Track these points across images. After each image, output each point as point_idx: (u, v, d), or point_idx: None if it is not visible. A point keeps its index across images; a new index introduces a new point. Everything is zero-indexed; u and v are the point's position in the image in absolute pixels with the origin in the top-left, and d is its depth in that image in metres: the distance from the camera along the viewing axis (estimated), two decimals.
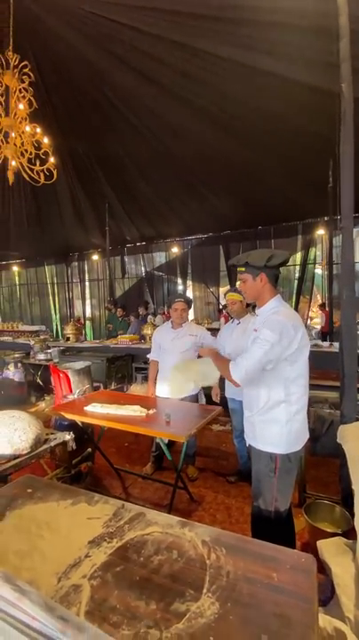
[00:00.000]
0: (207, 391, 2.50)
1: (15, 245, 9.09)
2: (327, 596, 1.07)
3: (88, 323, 10.52)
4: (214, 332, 2.92)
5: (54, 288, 11.12)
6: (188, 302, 2.42)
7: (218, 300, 8.94)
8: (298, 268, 8.24)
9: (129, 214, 7.39)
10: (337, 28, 1.77)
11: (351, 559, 1.12)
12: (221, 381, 2.41)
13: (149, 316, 6.59)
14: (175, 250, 9.12)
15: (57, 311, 11.09)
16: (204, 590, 0.72)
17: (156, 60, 3.58)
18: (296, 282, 8.39)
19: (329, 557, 1.10)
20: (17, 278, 11.97)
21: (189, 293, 9.55)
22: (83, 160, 5.66)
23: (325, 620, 0.82)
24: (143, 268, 9.52)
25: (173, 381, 2.18)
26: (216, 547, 0.85)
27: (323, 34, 2.23)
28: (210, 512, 2.07)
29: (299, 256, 8.43)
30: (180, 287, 9.52)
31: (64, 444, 1.66)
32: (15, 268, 11.60)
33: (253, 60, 3.25)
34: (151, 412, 1.92)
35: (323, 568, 1.23)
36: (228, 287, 9.42)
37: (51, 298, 11.17)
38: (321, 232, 7.29)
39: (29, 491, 1.13)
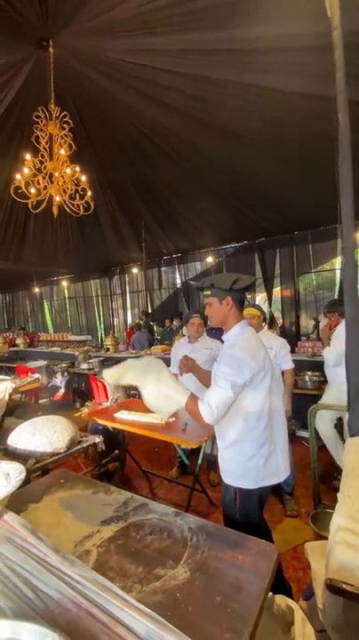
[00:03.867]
0: None
1: (64, 263, 9.99)
2: (311, 592, 1.19)
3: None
4: None
5: (99, 300, 11.93)
6: (204, 317, 2.62)
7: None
8: (338, 272, 7.97)
9: (163, 229, 7.79)
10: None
11: None
12: None
13: (184, 327, 6.85)
14: (210, 259, 9.32)
15: (102, 321, 11.87)
16: (181, 562, 0.93)
17: (180, 91, 3.90)
18: (337, 286, 8.12)
19: (312, 557, 1.22)
20: (66, 292, 13.04)
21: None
22: (120, 186, 6.16)
23: (281, 599, 0.96)
24: (179, 280, 9.84)
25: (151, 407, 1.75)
26: (199, 532, 1.05)
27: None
28: None
29: (338, 260, 8.15)
30: None
31: (94, 445, 1.95)
32: (65, 283, 12.65)
33: (267, 80, 3.43)
34: (170, 420, 2.14)
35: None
36: (264, 294, 9.36)
37: (96, 309, 11.99)
38: None
39: (62, 481, 1.42)
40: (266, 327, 2.63)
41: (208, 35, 3.03)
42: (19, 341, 7.35)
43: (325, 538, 1.72)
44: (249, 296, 9.17)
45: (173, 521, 1.11)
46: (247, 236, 8.51)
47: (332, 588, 0.88)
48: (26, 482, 1.57)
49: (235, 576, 0.87)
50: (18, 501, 1.26)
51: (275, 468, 1.39)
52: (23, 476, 1.03)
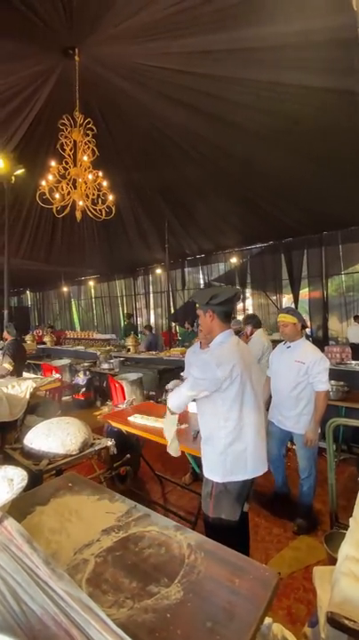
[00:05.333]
0: None
1: (90, 263, 10.27)
2: (317, 619, 1.13)
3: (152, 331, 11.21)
4: (275, 343, 2.84)
5: (123, 300, 12.17)
6: None
7: (279, 309, 8.70)
8: None
9: (187, 230, 7.79)
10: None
11: None
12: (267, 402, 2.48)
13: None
14: (234, 260, 9.20)
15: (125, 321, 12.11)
16: (176, 581, 0.91)
17: (203, 93, 3.87)
18: None
19: (319, 583, 1.16)
20: (93, 292, 13.42)
21: (249, 303, 9.49)
22: (143, 188, 6.23)
23: (278, 628, 0.92)
24: (202, 280, 9.81)
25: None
26: (197, 550, 1.03)
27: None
28: None
29: None
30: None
31: (106, 448, 1.98)
32: (91, 283, 13.01)
33: (294, 77, 3.32)
34: (183, 426, 2.13)
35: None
36: (291, 296, 9.09)
37: (120, 309, 12.24)
38: None
39: (70, 485, 1.45)
40: (303, 336, 2.39)
41: (231, 34, 2.98)
42: (46, 339, 7.65)
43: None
44: (273, 298, 8.96)
45: (173, 535, 1.10)
46: (273, 236, 8.31)
47: (333, 622, 0.83)
48: (38, 482, 1.63)
49: (230, 601, 0.85)
50: (27, 503, 1.30)
51: (243, 467, 1.51)
52: (24, 483, 1.06)
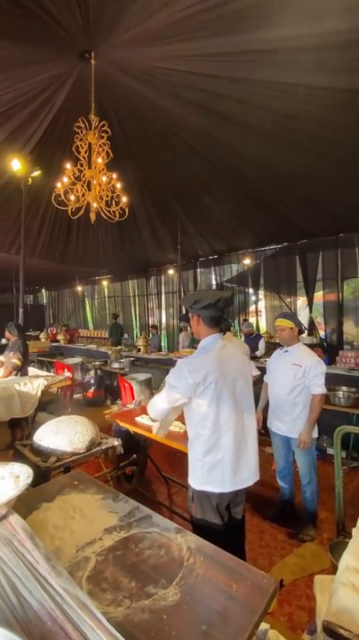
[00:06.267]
0: None
1: (104, 263, 10.40)
2: (315, 627, 1.12)
3: (164, 332, 11.26)
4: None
5: (136, 300, 12.27)
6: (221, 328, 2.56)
7: (292, 311, 8.58)
8: None
9: (199, 231, 7.78)
10: None
11: None
12: (265, 409, 2.47)
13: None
14: (247, 261, 9.13)
15: (138, 320, 12.19)
16: (174, 583, 0.92)
17: (217, 94, 3.86)
18: None
19: (319, 591, 1.15)
20: (106, 291, 13.59)
21: (261, 305, 9.40)
22: (157, 189, 6.26)
23: (274, 635, 0.92)
24: (214, 281, 9.78)
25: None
26: (197, 553, 1.04)
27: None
28: None
29: None
30: (253, 298, 9.45)
31: (113, 448, 2.01)
32: (105, 283, 13.18)
33: (307, 78, 3.28)
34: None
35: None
36: (305, 298, 8.94)
37: (132, 308, 12.35)
38: None
39: (76, 483, 1.48)
40: (302, 338, 2.42)
41: (243, 36, 2.97)
42: (59, 337, 7.80)
43: None
44: (287, 300, 8.84)
45: (173, 537, 1.11)
46: (287, 237, 8.20)
47: (329, 631, 0.82)
48: (45, 479, 1.68)
49: (226, 605, 0.85)
50: (34, 499, 1.34)
51: (220, 478, 1.48)
52: (30, 480, 1.09)
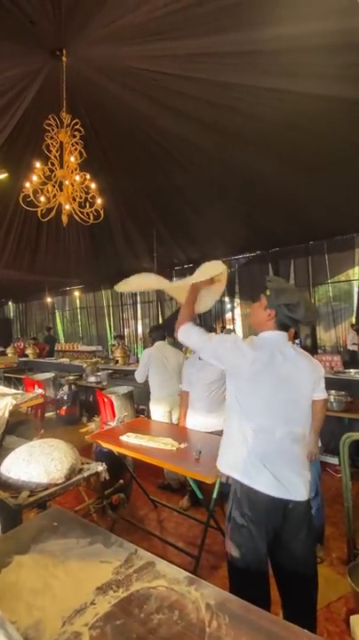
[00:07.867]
0: None
1: (75, 272, 9.99)
2: None
3: (140, 343, 10.95)
4: None
5: (110, 310, 11.88)
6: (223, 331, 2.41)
7: None
8: (355, 283, 7.70)
9: (175, 239, 7.68)
10: None
11: None
12: None
13: None
14: None
15: (112, 332, 11.78)
16: None
17: (192, 97, 3.79)
18: (354, 297, 7.87)
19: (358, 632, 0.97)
20: (78, 302, 13.07)
21: (237, 313, 9.42)
22: (131, 194, 6.09)
23: None
24: None
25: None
26: (219, 613, 0.82)
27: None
28: None
29: (356, 270, 7.88)
30: (228, 306, 9.46)
31: (97, 474, 1.74)
32: (76, 293, 12.68)
33: (281, 83, 3.30)
34: (182, 445, 1.92)
35: None
36: None
37: (106, 319, 11.93)
38: None
39: (55, 524, 1.21)
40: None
41: (221, 37, 2.92)
42: (28, 352, 7.27)
43: None
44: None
45: (186, 592, 0.89)
46: (260, 246, 8.33)
47: None
48: (16, 521, 1.38)
49: None
50: (2, 552, 1.06)
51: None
52: None
